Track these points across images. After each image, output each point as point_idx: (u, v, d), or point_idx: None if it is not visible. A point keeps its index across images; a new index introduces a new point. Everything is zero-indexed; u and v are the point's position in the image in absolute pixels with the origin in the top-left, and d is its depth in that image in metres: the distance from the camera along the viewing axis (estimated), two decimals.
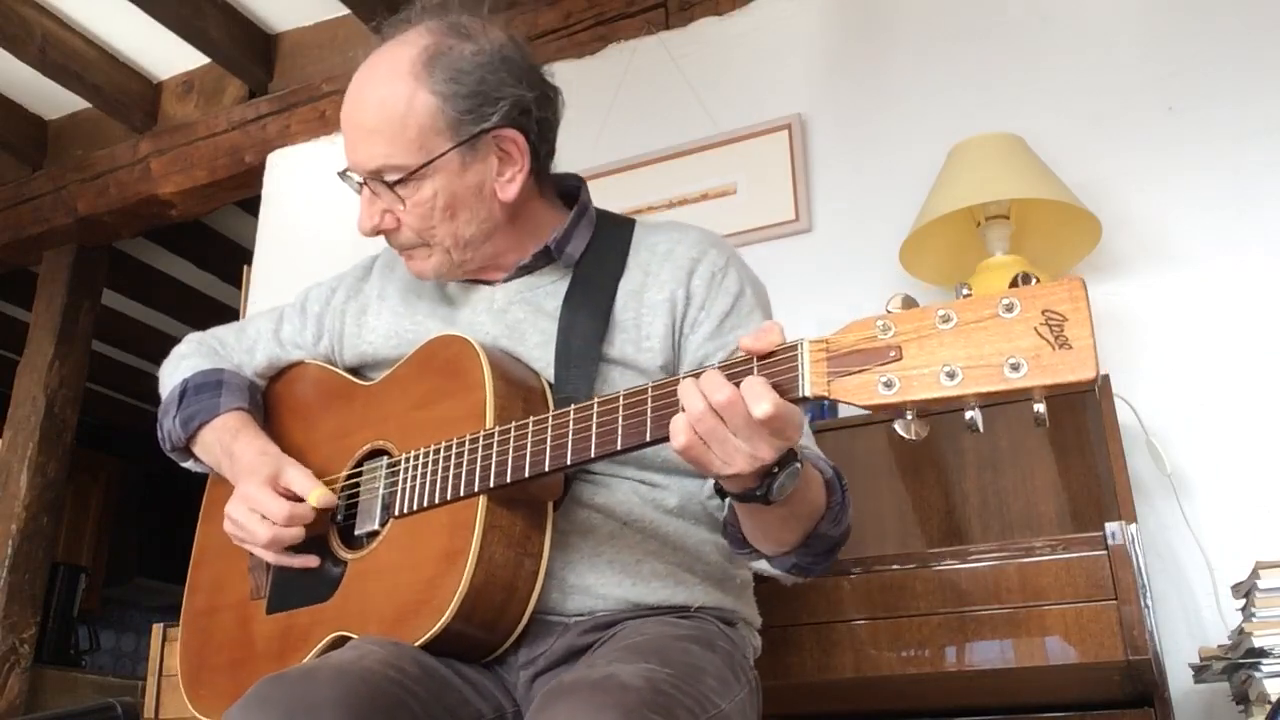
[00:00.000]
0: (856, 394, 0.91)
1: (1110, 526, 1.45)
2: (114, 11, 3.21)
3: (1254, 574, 1.57)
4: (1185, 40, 2.26)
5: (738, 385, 0.97)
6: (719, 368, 1.00)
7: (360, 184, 1.31)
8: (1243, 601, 1.61)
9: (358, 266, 1.53)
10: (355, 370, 1.45)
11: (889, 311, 0.92)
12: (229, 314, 4.65)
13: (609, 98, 2.81)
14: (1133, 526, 1.45)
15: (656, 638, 1.14)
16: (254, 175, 3.39)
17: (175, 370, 1.51)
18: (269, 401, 1.51)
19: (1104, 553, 1.44)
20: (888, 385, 0.89)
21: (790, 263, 2.47)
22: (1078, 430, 1.81)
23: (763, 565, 1.23)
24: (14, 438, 3.65)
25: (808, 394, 0.94)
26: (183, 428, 1.44)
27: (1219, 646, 1.66)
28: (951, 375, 0.86)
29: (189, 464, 1.52)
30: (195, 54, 3.37)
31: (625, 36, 2.88)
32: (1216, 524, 1.94)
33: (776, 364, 0.97)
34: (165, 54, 3.45)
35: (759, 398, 0.94)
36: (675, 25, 2.83)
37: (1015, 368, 0.84)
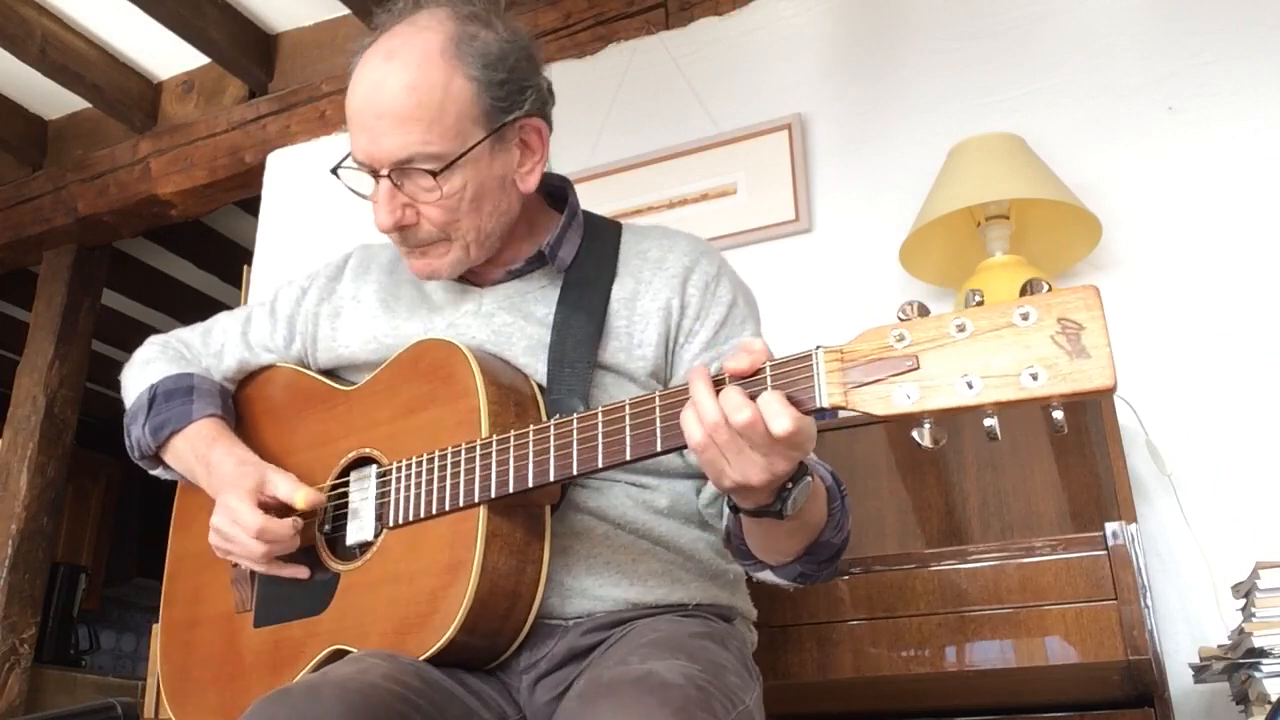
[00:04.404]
0: (875, 404, 0.90)
1: (1110, 526, 1.45)
2: (114, 11, 3.21)
3: (1254, 574, 1.57)
4: (1185, 40, 2.26)
5: (754, 398, 0.95)
6: (737, 385, 0.97)
7: (379, 176, 1.22)
8: (1243, 601, 1.61)
9: (329, 265, 1.47)
10: (330, 373, 1.40)
11: (901, 319, 0.91)
12: None
13: (609, 98, 2.81)
14: (1133, 526, 1.45)
15: (673, 634, 1.13)
16: (254, 175, 3.39)
17: (141, 375, 1.45)
18: (240, 407, 1.46)
19: (1104, 553, 1.45)
20: (907, 396, 0.89)
21: (790, 263, 2.47)
22: (1078, 430, 1.81)
23: (767, 575, 1.22)
24: (14, 438, 3.65)
25: (825, 404, 0.93)
26: (153, 436, 1.39)
27: (1219, 646, 1.66)
28: (970, 385, 0.86)
29: (158, 471, 1.47)
30: (195, 54, 3.37)
31: (625, 36, 2.88)
32: (1216, 524, 1.93)
33: (791, 375, 0.95)
34: (165, 54, 3.45)
35: (778, 415, 0.93)
36: (675, 25, 2.83)
37: (1034, 376, 0.84)
